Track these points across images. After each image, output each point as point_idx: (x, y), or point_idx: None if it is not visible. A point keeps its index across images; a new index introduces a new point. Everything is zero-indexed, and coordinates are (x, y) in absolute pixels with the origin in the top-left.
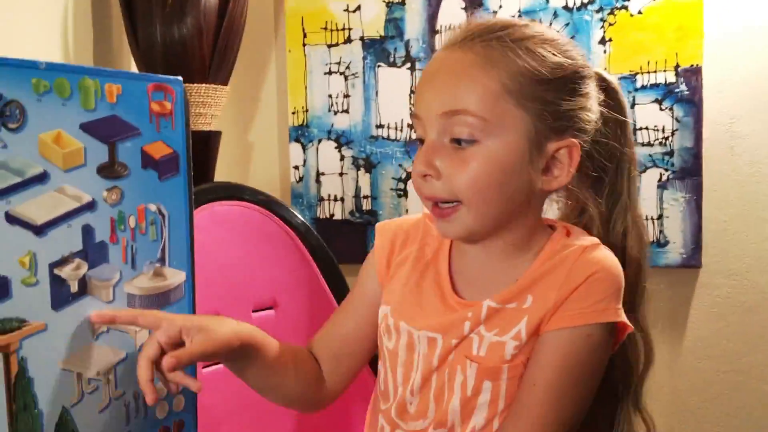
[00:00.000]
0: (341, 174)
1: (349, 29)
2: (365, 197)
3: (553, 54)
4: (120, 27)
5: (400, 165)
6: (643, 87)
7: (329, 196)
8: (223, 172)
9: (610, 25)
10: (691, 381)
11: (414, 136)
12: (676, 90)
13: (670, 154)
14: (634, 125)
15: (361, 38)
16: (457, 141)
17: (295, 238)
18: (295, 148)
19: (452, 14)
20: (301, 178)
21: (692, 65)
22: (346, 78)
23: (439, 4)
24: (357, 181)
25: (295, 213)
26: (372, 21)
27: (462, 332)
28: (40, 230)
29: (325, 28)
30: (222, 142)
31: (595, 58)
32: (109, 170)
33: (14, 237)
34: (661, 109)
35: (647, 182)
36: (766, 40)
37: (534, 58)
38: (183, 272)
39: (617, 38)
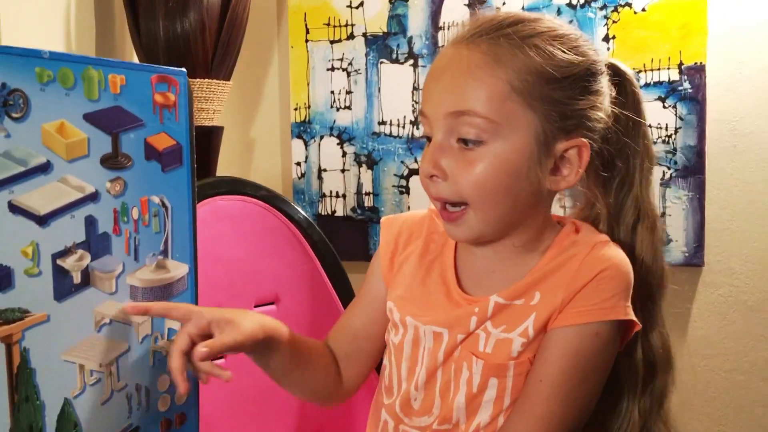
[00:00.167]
0: (343, 170)
1: (352, 25)
2: (367, 194)
3: (563, 51)
4: (123, 21)
5: (402, 162)
6: (647, 85)
7: (331, 192)
8: (224, 168)
9: (614, 22)
10: (692, 380)
11: (417, 134)
12: (680, 88)
13: (673, 152)
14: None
15: (364, 34)
16: (464, 141)
17: (297, 233)
18: (297, 144)
19: (455, 11)
20: (302, 175)
21: (696, 63)
22: (348, 74)
23: (443, 1)
24: (359, 178)
25: (298, 208)
26: (375, 17)
27: (468, 327)
28: (43, 220)
29: (328, 24)
30: (224, 137)
31: None
32: (113, 161)
33: (17, 227)
34: (664, 107)
35: None
36: None
37: (543, 57)
38: (186, 265)
39: (621, 36)
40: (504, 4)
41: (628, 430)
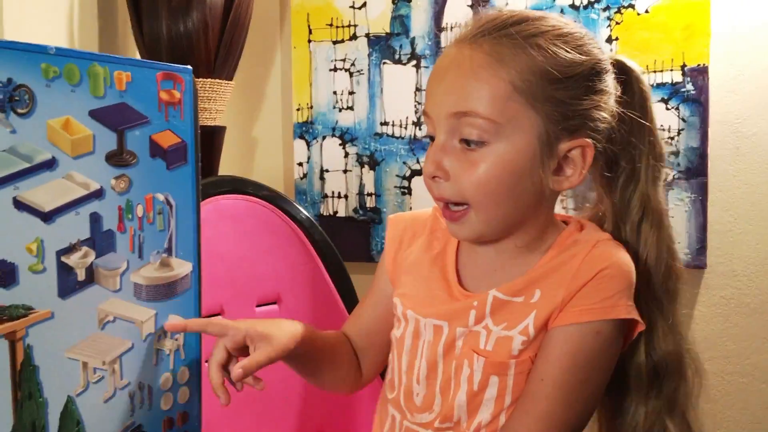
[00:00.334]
0: (345, 171)
1: (355, 26)
2: (369, 194)
3: (567, 51)
4: (126, 20)
5: (404, 163)
6: (650, 86)
7: (333, 193)
8: (226, 168)
9: (617, 23)
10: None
11: (419, 134)
12: (683, 89)
13: (676, 153)
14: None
15: (367, 35)
16: (467, 142)
17: (300, 232)
18: (300, 145)
19: (458, 12)
20: (305, 175)
21: (699, 65)
22: (351, 75)
23: (446, 2)
24: (361, 179)
25: (300, 208)
26: (378, 18)
27: (467, 321)
28: (47, 217)
29: (331, 25)
30: (226, 137)
31: None
32: (118, 158)
33: (22, 223)
34: (667, 109)
35: None
36: None
37: (546, 56)
38: (189, 263)
39: (624, 37)
40: (507, 5)
41: (632, 431)
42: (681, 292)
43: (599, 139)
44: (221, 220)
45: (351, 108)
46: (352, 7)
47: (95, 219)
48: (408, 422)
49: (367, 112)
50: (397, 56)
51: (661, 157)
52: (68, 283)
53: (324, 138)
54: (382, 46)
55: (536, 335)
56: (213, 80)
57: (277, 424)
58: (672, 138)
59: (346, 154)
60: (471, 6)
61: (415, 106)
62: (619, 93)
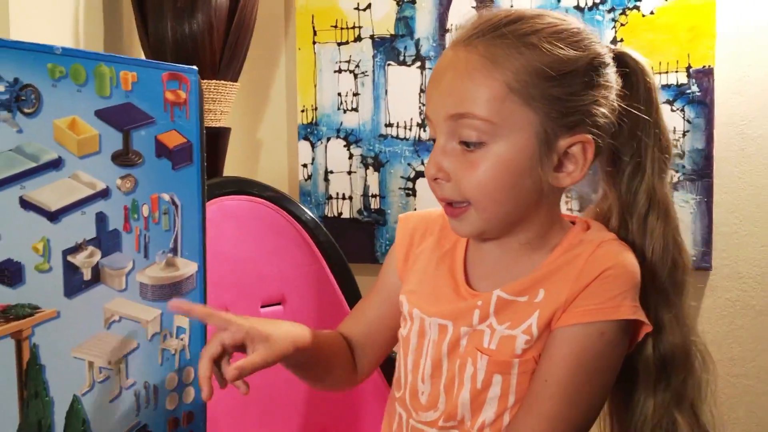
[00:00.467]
0: (350, 172)
1: (360, 27)
2: (373, 196)
3: (562, 47)
4: (131, 22)
5: (408, 164)
6: (655, 77)
7: (337, 194)
8: (231, 169)
9: (622, 25)
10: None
11: (424, 136)
12: (688, 91)
13: (681, 155)
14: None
15: (371, 37)
16: (466, 143)
17: (304, 233)
18: (304, 146)
19: (463, 13)
20: (309, 176)
21: (704, 66)
22: (355, 76)
23: (450, 3)
24: (365, 180)
25: (304, 209)
26: (382, 19)
27: (471, 321)
28: (53, 216)
29: (336, 26)
30: (231, 138)
31: None
32: (123, 158)
33: (28, 222)
34: (672, 110)
35: None
36: None
37: (540, 54)
38: (195, 263)
39: (629, 39)
40: (512, 6)
41: (644, 425)
42: (688, 285)
43: (600, 134)
44: (226, 220)
45: (355, 109)
46: (357, 8)
47: (101, 219)
48: (414, 421)
49: (371, 113)
50: (401, 58)
51: (667, 149)
52: (74, 283)
53: (328, 139)
54: (387, 48)
55: (540, 335)
56: (218, 81)
57: (281, 424)
58: (677, 140)
59: (351, 156)
60: (475, 7)
61: (420, 107)
62: (621, 86)
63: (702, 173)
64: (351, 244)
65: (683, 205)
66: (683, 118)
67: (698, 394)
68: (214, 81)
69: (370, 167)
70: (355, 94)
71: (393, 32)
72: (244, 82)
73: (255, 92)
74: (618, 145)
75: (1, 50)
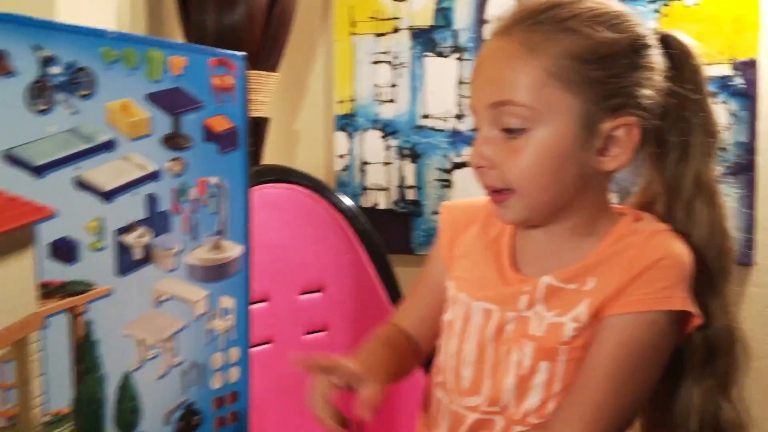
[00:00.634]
0: (386, 164)
1: (397, 19)
2: (410, 187)
3: (601, 30)
4: (173, 12)
5: (445, 156)
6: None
7: (374, 185)
8: (269, 159)
9: (665, 16)
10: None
11: (461, 127)
12: (731, 83)
13: (724, 149)
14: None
15: (409, 28)
16: (508, 130)
17: (343, 222)
18: (341, 137)
19: (502, 4)
20: (346, 167)
21: (748, 58)
22: (393, 67)
23: None
24: (401, 171)
25: (343, 198)
26: (420, 11)
27: (518, 306)
28: (107, 197)
29: (373, 18)
30: (269, 129)
31: None
32: (173, 141)
33: (83, 202)
34: (715, 103)
35: None
36: None
37: (579, 38)
38: (241, 246)
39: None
40: None
41: (688, 412)
42: (733, 271)
43: (645, 116)
44: (266, 208)
45: (393, 101)
46: (396, 0)
47: (152, 200)
48: (455, 405)
49: (408, 105)
50: (439, 49)
51: (715, 133)
52: (126, 262)
53: (365, 130)
54: (425, 39)
55: (589, 323)
56: (258, 72)
57: None
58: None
59: (388, 147)
60: None
61: (457, 99)
62: (667, 68)
63: (745, 167)
64: (387, 235)
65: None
66: (726, 110)
67: (740, 381)
68: (254, 71)
69: (407, 158)
70: (393, 86)
71: (431, 23)
72: (283, 73)
73: (293, 83)
74: (664, 127)
75: (58, 33)
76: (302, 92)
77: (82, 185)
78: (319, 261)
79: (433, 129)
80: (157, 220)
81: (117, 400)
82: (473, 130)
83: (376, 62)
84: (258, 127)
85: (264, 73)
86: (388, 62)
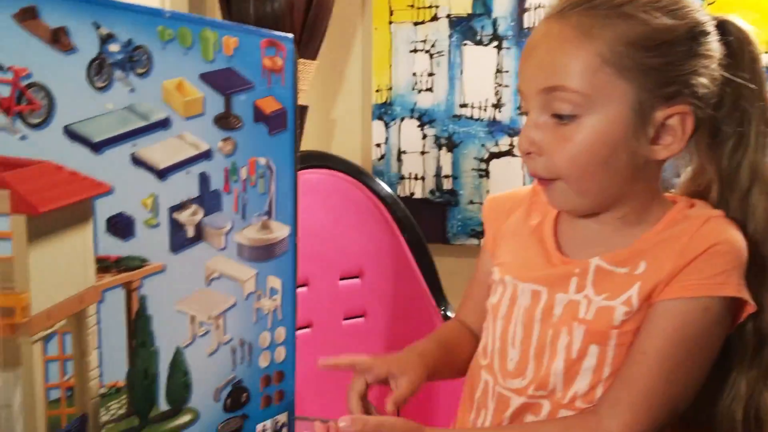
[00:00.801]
0: (423, 153)
1: (436, 7)
2: (446, 177)
3: (658, 16)
4: (214, 1)
5: (482, 145)
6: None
7: (410, 174)
8: (306, 147)
9: (709, 4)
10: None
11: (499, 117)
12: None
13: None
14: None
15: (448, 16)
16: (558, 116)
17: (383, 209)
18: (378, 126)
19: None
20: (382, 156)
21: None
22: (431, 56)
23: None
24: (438, 160)
25: (383, 185)
26: None
27: (567, 288)
28: (161, 174)
29: (412, 6)
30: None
31: None
32: (225, 121)
33: (138, 179)
34: None
35: None
36: None
37: (635, 24)
38: (288, 227)
39: None
40: None
41: (735, 402)
42: None
43: (700, 105)
44: (308, 193)
45: (430, 90)
46: None
47: (204, 179)
48: (500, 387)
49: (446, 93)
50: (478, 37)
51: None
52: (179, 239)
53: (402, 119)
54: (464, 27)
55: (639, 307)
56: (298, 60)
57: None
58: None
59: (424, 136)
60: None
61: (496, 88)
62: (724, 55)
63: None
64: (422, 225)
65: None
66: None
67: None
68: None
69: (444, 148)
70: (430, 74)
71: (470, 11)
72: (321, 61)
73: (331, 71)
74: (720, 117)
75: (116, 11)
76: (340, 81)
77: (138, 162)
78: (358, 247)
79: (470, 118)
80: (208, 199)
81: (169, 375)
82: (521, 113)
83: (414, 51)
84: (297, 115)
85: (303, 60)
86: (426, 51)
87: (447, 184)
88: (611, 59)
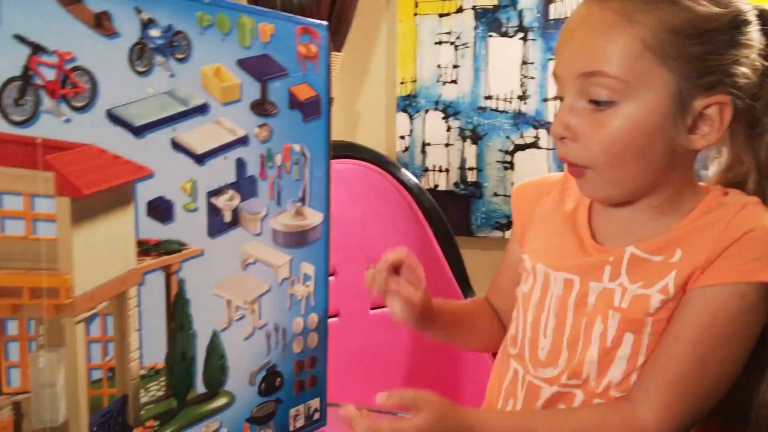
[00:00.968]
0: (447, 145)
1: None
2: (470, 169)
3: (703, 4)
4: None
5: (507, 137)
6: None
7: (434, 166)
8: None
9: None
10: None
11: (524, 109)
12: None
13: None
14: None
15: (474, 8)
16: (596, 102)
17: (410, 199)
18: (402, 118)
19: None
20: (406, 148)
21: None
22: (456, 48)
23: None
24: (462, 153)
25: (410, 175)
26: None
27: (601, 277)
28: (200, 159)
29: None
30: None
31: None
32: (261, 108)
33: (178, 163)
34: None
35: None
36: None
37: (678, 11)
38: (321, 213)
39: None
40: None
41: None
42: None
43: (739, 95)
44: (335, 182)
45: (455, 82)
46: None
47: (241, 165)
48: (531, 377)
49: (471, 85)
50: (503, 29)
51: None
52: (216, 224)
53: (427, 111)
54: (489, 19)
55: (675, 295)
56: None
57: (385, 383)
58: None
59: (449, 128)
60: None
61: (521, 79)
62: (765, 45)
63: None
64: (447, 216)
65: None
66: None
67: None
68: None
69: (468, 140)
70: (455, 66)
71: (496, 3)
72: (346, 53)
73: (356, 63)
74: (759, 107)
75: None
76: (364, 72)
77: (178, 147)
78: (385, 236)
79: (495, 110)
80: (245, 185)
81: (206, 358)
82: (556, 98)
83: (438, 43)
84: None
85: (330, 52)
86: (451, 42)
87: (471, 177)
88: (653, 46)
